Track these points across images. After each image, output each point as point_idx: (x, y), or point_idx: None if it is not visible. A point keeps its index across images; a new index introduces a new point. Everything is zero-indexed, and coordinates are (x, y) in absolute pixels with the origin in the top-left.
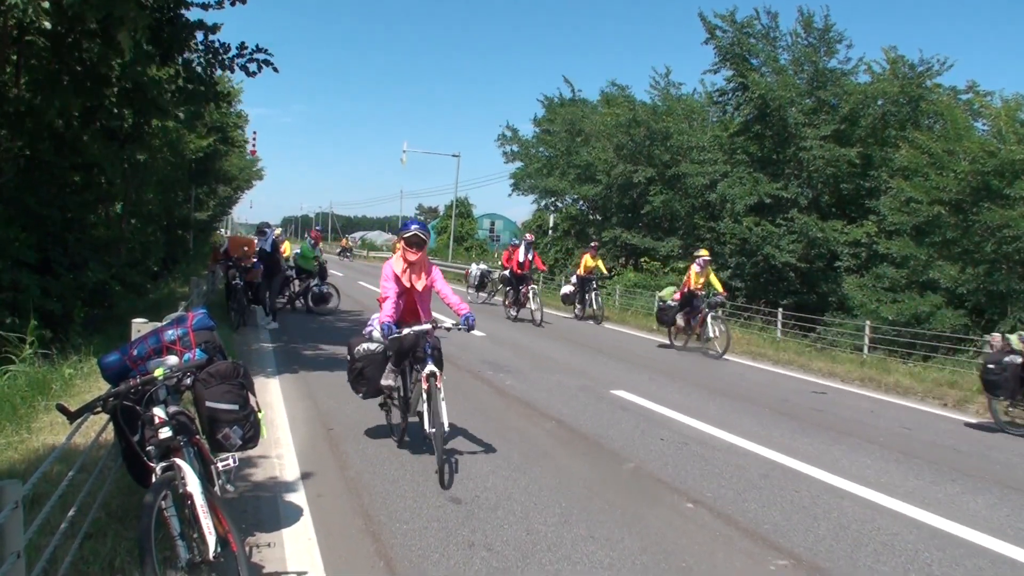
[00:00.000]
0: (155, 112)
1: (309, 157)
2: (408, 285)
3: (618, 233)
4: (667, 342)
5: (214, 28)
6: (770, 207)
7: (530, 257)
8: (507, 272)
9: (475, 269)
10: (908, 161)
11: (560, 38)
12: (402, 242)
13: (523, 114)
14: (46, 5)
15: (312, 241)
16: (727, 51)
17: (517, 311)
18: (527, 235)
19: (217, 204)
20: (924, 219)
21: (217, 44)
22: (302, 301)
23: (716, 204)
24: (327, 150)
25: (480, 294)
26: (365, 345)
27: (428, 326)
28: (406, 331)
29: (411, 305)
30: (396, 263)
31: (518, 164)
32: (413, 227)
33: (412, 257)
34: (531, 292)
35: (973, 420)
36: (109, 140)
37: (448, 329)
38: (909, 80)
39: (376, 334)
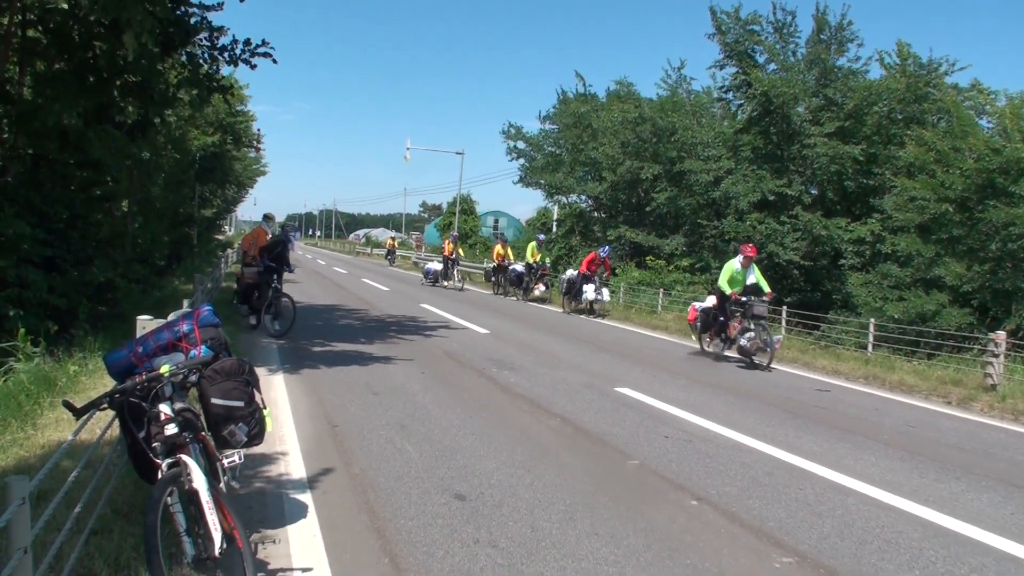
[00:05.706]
0: (160, 103)
1: (312, 154)
2: None
3: (623, 231)
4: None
5: (220, 30)
6: (774, 204)
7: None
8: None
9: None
10: (914, 158)
11: (565, 35)
12: None
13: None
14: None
15: (743, 259)
16: (732, 47)
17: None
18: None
19: (222, 202)
20: (929, 216)
21: (220, 45)
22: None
23: (720, 202)
24: (330, 147)
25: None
26: None
27: None
28: None
29: None
30: None
31: (522, 162)
32: None
33: None
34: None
35: (978, 418)
36: (119, 133)
37: None
38: (916, 78)
39: None
